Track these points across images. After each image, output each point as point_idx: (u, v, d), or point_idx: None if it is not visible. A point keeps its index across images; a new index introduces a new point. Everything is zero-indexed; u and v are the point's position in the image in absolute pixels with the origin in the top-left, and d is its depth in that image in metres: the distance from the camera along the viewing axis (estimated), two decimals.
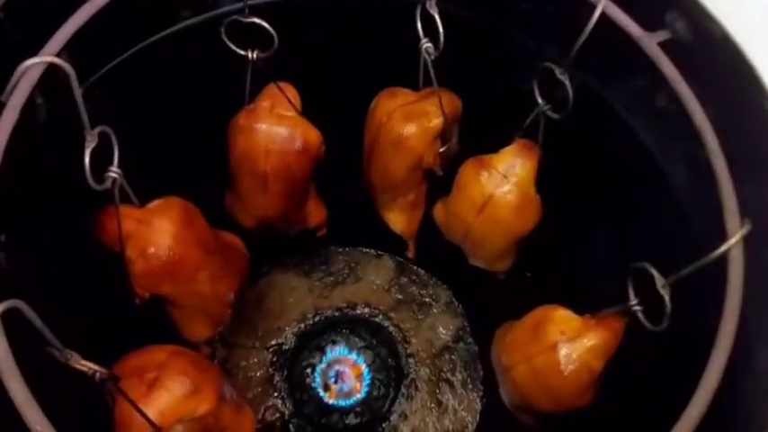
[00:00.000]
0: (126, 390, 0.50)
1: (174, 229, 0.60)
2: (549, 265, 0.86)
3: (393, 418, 0.92)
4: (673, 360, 0.56)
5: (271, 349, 0.96)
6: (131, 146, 0.68)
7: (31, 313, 0.34)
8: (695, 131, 0.49)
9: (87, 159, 0.43)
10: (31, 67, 0.35)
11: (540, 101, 0.58)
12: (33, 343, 0.40)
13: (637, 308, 0.50)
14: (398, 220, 0.78)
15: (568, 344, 0.57)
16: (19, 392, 0.38)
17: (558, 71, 0.54)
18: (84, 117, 0.42)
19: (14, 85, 0.36)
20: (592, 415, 0.62)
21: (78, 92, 0.41)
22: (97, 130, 0.44)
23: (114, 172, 0.49)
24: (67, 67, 0.38)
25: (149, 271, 0.59)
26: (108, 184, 0.49)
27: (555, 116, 0.58)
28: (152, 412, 0.51)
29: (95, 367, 0.40)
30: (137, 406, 0.47)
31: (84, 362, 0.39)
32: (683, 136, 0.53)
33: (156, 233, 0.59)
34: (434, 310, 1.00)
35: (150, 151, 0.72)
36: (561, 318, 0.60)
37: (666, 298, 0.45)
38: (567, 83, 0.54)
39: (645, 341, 0.54)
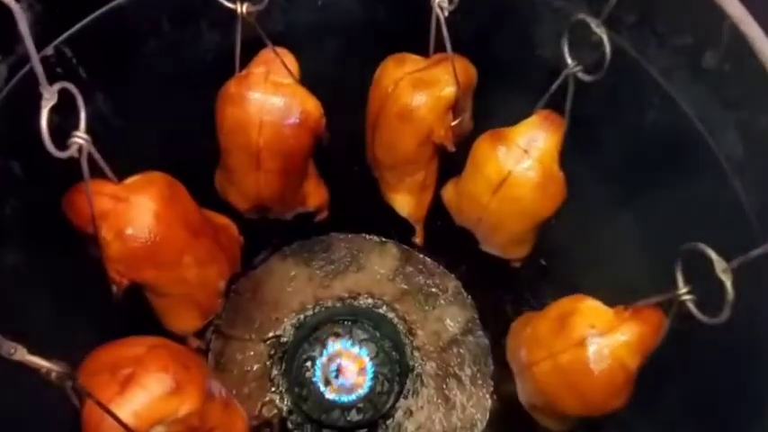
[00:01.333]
0: (96, 389, 0.44)
1: (155, 208, 0.54)
2: (567, 253, 0.81)
3: (397, 414, 0.89)
4: (721, 357, 0.50)
5: (268, 342, 0.92)
6: (110, 117, 0.63)
7: None
8: (763, 85, 0.41)
9: (44, 120, 0.37)
10: None
11: (569, 61, 0.51)
12: None
13: (687, 297, 0.44)
14: (406, 202, 0.73)
15: (599, 339, 0.52)
16: None
17: (593, 23, 0.48)
18: (38, 67, 0.36)
19: None
20: (624, 417, 0.57)
21: (27, 33, 0.34)
22: (57, 86, 0.38)
23: (80, 137, 0.43)
24: (14, 5, 0.31)
25: (127, 254, 0.54)
26: (73, 151, 0.43)
27: (587, 78, 0.51)
28: (126, 414, 0.45)
29: (45, 364, 0.33)
30: (105, 407, 0.41)
31: (30, 357, 0.33)
32: (738, 100, 0.46)
33: (135, 212, 0.54)
34: (442, 301, 0.96)
35: (132, 124, 0.66)
36: (590, 309, 0.55)
37: (728, 284, 0.38)
38: (604, 36, 0.47)
39: (686, 334, 0.48)
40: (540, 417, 0.65)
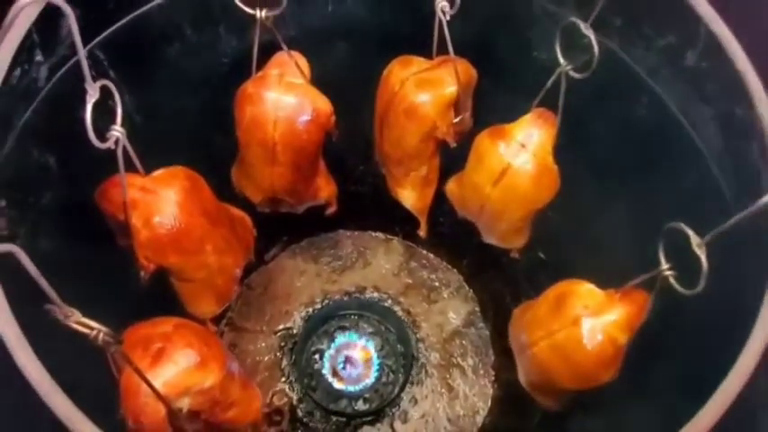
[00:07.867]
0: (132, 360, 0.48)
1: (178, 198, 0.58)
2: (563, 244, 0.84)
3: (403, 403, 0.91)
4: (701, 329, 0.54)
5: (278, 334, 0.95)
6: (134, 115, 0.67)
7: (26, 260, 0.31)
8: (736, 80, 0.46)
9: (88, 114, 0.41)
10: (27, 6, 0.33)
11: (562, 60, 0.56)
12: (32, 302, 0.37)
13: (669, 272, 0.48)
14: (410, 196, 0.76)
15: (592, 318, 0.56)
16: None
17: (582, 26, 0.52)
18: (85, 66, 0.40)
19: (9, 27, 0.33)
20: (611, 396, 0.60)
21: (78, 36, 0.38)
22: (99, 83, 0.42)
23: (117, 131, 0.47)
24: (65, 6, 0.36)
25: (154, 240, 0.57)
26: (111, 143, 0.47)
27: (577, 76, 0.55)
28: (158, 383, 0.49)
29: (98, 326, 0.37)
30: (142, 374, 0.45)
31: (85, 320, 0.37)
32: (715, 95, 0.50)
33: (162, 202, 0.57)
34: (445, 295, 0.99)
35: (155, 122, 0.70)
36: (585, 292, 0.59)
37: (703, 258, 0.42)
38: (592, 37, 0.51)
39: (672, 310, 0.52)
40: (537, 395, 0.68)
